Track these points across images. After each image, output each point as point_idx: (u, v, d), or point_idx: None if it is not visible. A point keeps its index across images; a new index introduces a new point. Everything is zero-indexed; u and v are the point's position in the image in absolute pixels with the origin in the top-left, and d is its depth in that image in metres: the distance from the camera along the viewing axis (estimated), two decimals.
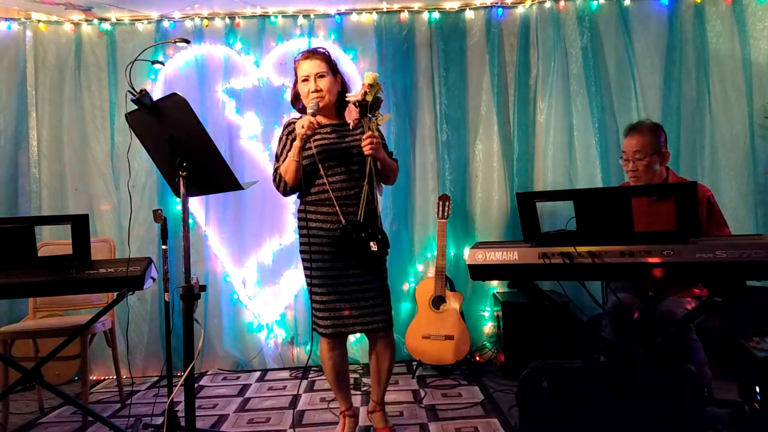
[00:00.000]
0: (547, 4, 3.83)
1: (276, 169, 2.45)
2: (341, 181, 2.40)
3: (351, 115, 2.34)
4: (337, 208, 2.37)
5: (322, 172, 2.38)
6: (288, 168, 2.37)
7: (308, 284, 2.47)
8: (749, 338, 2.62)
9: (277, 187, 2.46)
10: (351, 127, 2.42)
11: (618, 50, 3.80)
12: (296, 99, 2.53)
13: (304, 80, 2.43)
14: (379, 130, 2.49)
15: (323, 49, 2.51)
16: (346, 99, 2.37)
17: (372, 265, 2.42)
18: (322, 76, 2.41)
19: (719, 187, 3.65)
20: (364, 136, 2.32)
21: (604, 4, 3.82)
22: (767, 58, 3.70)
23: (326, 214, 2.41)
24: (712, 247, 1.81)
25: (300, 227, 2.48)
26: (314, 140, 2.39)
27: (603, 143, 3.76)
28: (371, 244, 2.29)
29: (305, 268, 2.47)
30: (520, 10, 3.91)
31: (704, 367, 2.40)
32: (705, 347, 2.46)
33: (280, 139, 2.50)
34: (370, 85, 2.27)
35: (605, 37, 3.81)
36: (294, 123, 2.46)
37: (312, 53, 2.45)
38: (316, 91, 2.39)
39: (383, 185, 2.57)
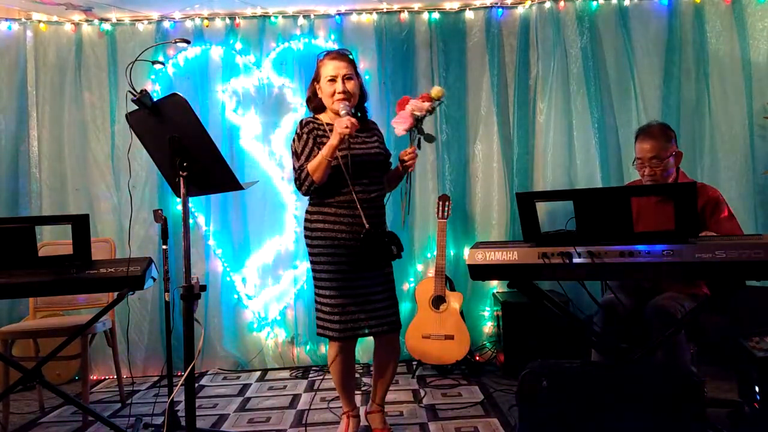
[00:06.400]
0: (547, 5, 3.83)
1: (300, 168, 2.37)
2: (364, 186, 2.41)
3: (405, 121, 2.39)
4: (361, 212, 2.36)
5: (348, 178, 2.36)
6: (319, 166, 2.31)
7: (318, 287, 2.46)
8: (749, 338, 2.62)
9: (300, 186, 2.39)
10: (398, 135, 2.47)
11: (617, 50, 3.80)
12: (312, 98, 2.51)
13: (330, 80, 2.39)
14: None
15: (349, 51, 2.51)
16: (411, 109, 2.39)
17: (384, 268, 2.48)
18: (350, 78, 2.40)
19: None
20: (410, 151, 2.41)
21: (604, 5, 3.82)
22: (767, 58, 3.70)
23: (349, 218, 2.39)
24: (712, 247, 1.81)
25: (314, 230, 2.44)
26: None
27: (603, 143, 3.76)
28: (393, 247, 2.36)
29: (316, 271, 2.46)
30: (520, 10, 3.91)
31: (691, 368, 2.40)
32: (705, 347, 2.46)
33: (300, 136, 2.42)
34: (437, 99, 2.32)
35: (605, 37, 3.81)
36: (313, 122, 2.45)
37: (340, 54, 2.44)
38: (343, 92, 2.38)
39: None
